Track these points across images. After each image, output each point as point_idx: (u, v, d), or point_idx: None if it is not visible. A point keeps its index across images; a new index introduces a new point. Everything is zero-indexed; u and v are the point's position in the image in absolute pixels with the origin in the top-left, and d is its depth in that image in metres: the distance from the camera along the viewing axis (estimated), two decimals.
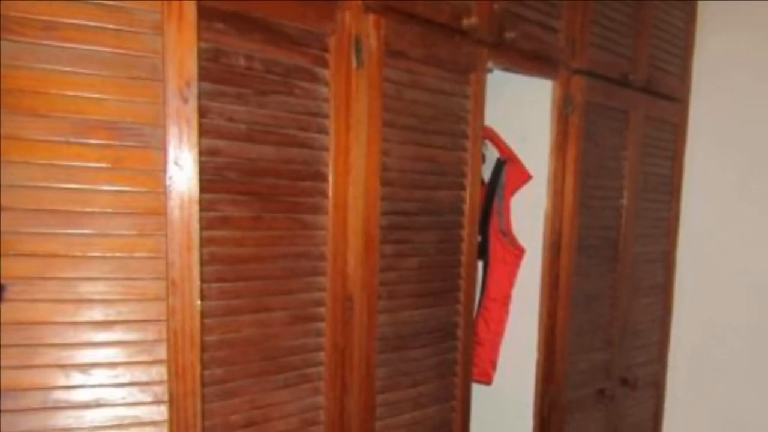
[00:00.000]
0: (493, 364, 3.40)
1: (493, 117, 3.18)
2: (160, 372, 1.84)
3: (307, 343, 2.29)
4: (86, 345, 1.77)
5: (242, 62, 2.04)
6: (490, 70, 2.86)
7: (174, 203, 1.79)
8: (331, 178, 2.27)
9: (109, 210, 1.74)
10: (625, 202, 3.60)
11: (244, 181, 2.06)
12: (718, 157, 4.06)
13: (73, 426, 1.78)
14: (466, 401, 2.94)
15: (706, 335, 4.17)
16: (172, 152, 1.77)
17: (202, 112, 1.89)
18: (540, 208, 3.23)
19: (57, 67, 1.67)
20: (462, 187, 2.78)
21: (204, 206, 1.88)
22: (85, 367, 1.77)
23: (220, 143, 1.99)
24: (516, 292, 3.38)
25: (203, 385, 1.94)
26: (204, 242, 1.90)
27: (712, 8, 4.00)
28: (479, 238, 3.01)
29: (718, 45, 4.00)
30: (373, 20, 2.33)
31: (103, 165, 1.72)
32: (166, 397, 1.85)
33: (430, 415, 2.78)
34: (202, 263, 1.87)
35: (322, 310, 2.31)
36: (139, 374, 1.82)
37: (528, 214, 3.29)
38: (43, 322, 1.72)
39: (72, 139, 1.69)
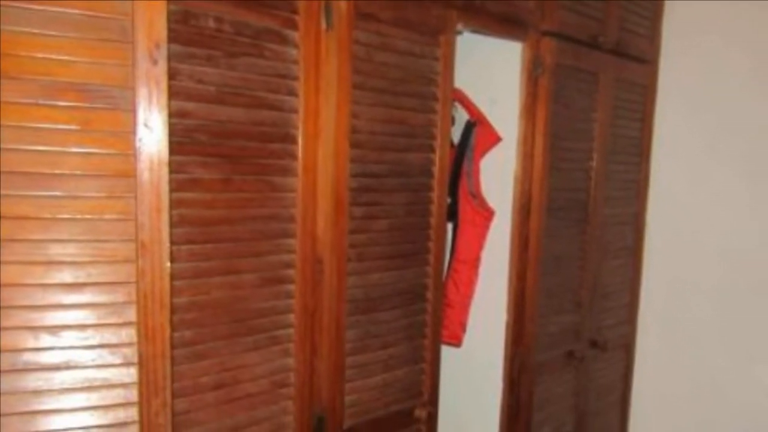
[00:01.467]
0: (463, 326, 3.44)
1: (463, 79, 3.20)
2: (129, 334, 1.86)
3: (276, 305, 2.31)
4: (56, 307, 1.78)
5: (212, 24, 2.04)
6: (460, 32, 2.87)
7: (143, 165, 1.80)
8: (300, 141, 2.28)
9: (79, 172, 1.75)
10: (594, 164, 3.64)
11: (213, 143, 2.07)
12: (687, 119, 4.09)
13: (43, 388, 1.80)
14: (435, 363, 2.97)
15: (675, 297, 4.21)
16: (141, 114, 1.79)
17: (172, 74, 1.90)
18: (509, 170, 3.25)
19: (26, 29, 1.67)
20: (431, 150, 2.80)
21: (173, 168, 1.89)
22: (54, 329, 1.79)
23: (190, 105, 2.01)
24: (485, 255, 3.41)
25: (173, 347, 1.96)
26: (173, 204, 1.91)
27: None
28: (449, 200, 3.04)
29: (688, 7, 4.02)
30: None
31: (73, 127, 1.73)
32: (135, 359, 1.87)
33: (399, 377, 2.82)
34: (171, 225, 1.89)
35: (291, 272, 2.33)
36: (109, 336, 1.84)
37: (497, 176, 3.32)
38: (12, 284, 1.74)
39: (41, 101, 1.70)
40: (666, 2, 4.06)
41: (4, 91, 1.67)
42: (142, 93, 1.78)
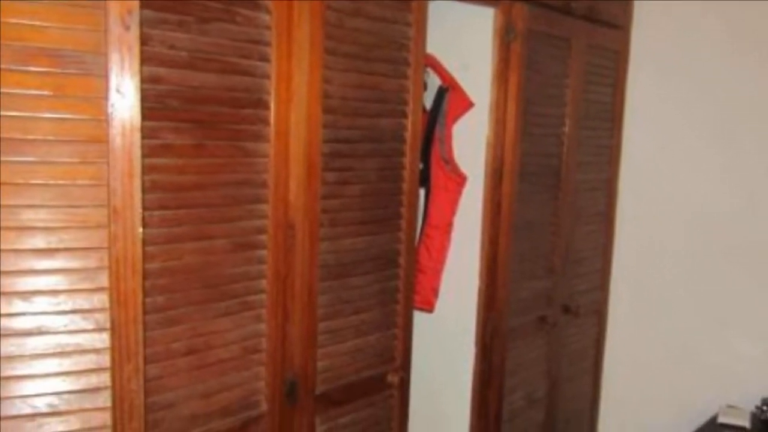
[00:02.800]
0: (435, 292, 3.47)
1: (435, 45, 3.22)
2: (102, 299, 1.88)
3: (248, 270, 2.33)
4: (28, 272, 1.80)
5: None
6: None
7: (116, 131, 1.81)
8: (272, 106, 2.30)
9: (51, 137, 1.76)
10: (567, 129, 3.67)
11: (185, 108, 2.08)
12: (659, 85, 4.12)
13: (15, 353, 1.82)
14: (407, 328, 3.00)
15: (647, 262, 4.26)
16: (113, 80, 1.80)
17: (144, 40, 1.91)
18: (482, 135, 3.27)
19: None
20: (404, 115, 2.82)
21: (146, 134, 1.91)
22: (26, 295, 1.80)
23: (162, 71, 2.01)
24: (458, 220, 3.44)
25: (145, 312, 1.98)
26: (146, 170, 1.92)
27: None
28: (421, 166, 3.06)
29: None
30: None
31: (45, 92, 1.74)
32: (108, 325, 1.89)
33: (371, 342, 2.85)
34: (143, 191, 1.90)
35: (263, 237, 2.35)
36: (81, 302, 1.86)
37: (470, 141, 3.34)
38: None
39: (13, 67, 1.71)
40: None
41: None
42: (114, 59, 1.79)
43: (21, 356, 1.83)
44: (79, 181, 1.80)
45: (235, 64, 2.20)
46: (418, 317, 3.25)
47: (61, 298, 1.84)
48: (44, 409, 1.86)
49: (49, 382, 1.86)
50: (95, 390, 1.91)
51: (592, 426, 4.46)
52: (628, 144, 4.23)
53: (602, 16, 3.78)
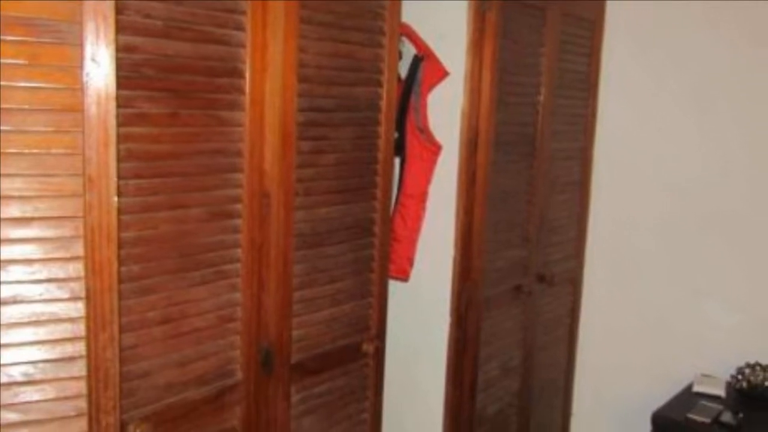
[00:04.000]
0: (410, 261, 3.49)
1: (410, 14, 3.23)
2: (77, 268, 1.88)
3: (223, 239, 2.35)
4: (3, 241, 1.79)
5: None
6: None
7: (91, 100, 1.81)
8: (248, 75, 2.30)
9: (26, 106, 1.75)
10: (542, 98, 3.68)
11: (161, 77, 2.09)
12: (634, 54, 4.14)
13: None
14: (382, 297, 3.04)
15: (622, 231, 4.30)
16: (89, 49, 1.79)
17: (119, 9, 1.91)
18: (457, 104, 3.28)
19: None
20: (379, 84, 2.84)
21: (121, 103, 1.90)
22: (1, 264, 1.80)
23: (137, 40, 2.02)
24: (433, 189, 3.45)
25: (120, 281, 1.98)
26: (121, 139, 1.92)
27: None
28: (396, 135, 3.08)
29: None
30: None
31: (20, 61, 1.73)
32: (83, 294, 1.89)
33: (346, 311, 2.88)
34: (118, 160, 1.90)
35: (238, 206, 2.37)
36: (56, 270, 1.86)
37: (445, 110, 3.34)
38: None
39: None
40: None
41: None
42: (89, 27, 1.79)
43: None
44: (54, 150, 1.80)
45: (210, 33, 2.20)
46: (393, 286, 3.28)
47: (36, 267, 1.84)
48: (19, 378, 1.86)
49: (24, 351, 1.86)
50: (70, 359, 1.90)
51: (566, 394, 4.50)
52: (603, 113, 4.26)
53: None
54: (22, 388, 1.87)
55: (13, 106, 1.75)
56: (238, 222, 2.38)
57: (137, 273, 2.13)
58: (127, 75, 1.98)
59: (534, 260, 3.88)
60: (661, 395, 3.81)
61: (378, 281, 2.99)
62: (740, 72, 3.84)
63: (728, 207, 3.94)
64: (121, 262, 2.00)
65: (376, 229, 2.95)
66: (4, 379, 1.85)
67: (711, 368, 3.97)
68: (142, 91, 2.05)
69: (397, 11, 2.86)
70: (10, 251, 1.81)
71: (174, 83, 2.13)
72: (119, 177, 1.92)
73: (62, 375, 1.90)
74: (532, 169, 3.74)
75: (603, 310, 4.42)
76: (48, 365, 1.89)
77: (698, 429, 3.45)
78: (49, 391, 1.89)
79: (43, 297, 1.86)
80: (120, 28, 1.91)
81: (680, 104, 4.04)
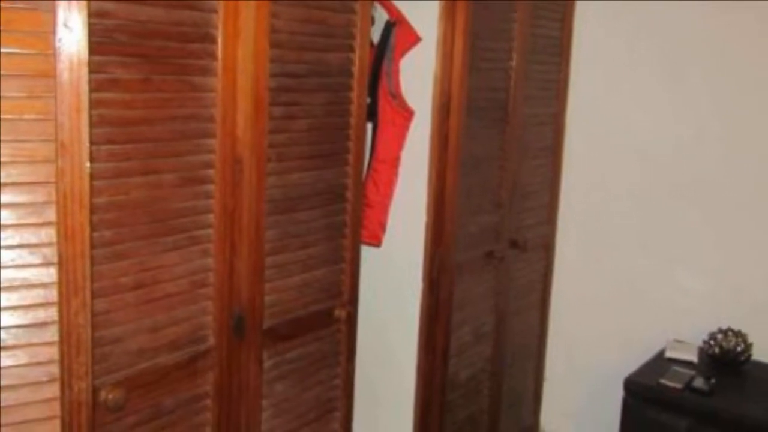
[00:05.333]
0: (383, 226, 3.52)
1: None
2: (49, 234, 1.89)
3: (196, 205, 2.36)
4: None
5: None
6: None
7: (63, 65, 1.81)
8: (220, 41, 2.31)
9: None
10: (514, 64, 3.70)
11: (133, 43, 2.09)
12: (607, 20, 4.17)
13: None
14: (355, 263, 3.06)
15: (595, 197, 4.34)
16: (61, 14, 1.79)
17: None
18: (429, 70, 3.31)
19: None
20: (351, 49, 2.85)
21: (93, 68, 1.91)
22: None
23: (110, 5, 2.01)
24: (405, 155, 3.48)
25: (92, 247, 1.99)
26: (93, 104, 1.93)
27: None
28: (368, 101, 3.09)
29: None
30: None
31: None
32: (55, 259, 1.90)
33: (319, 277, 2.90)
34: (91, 125, 1.90)
35: (211, 172, 2.38)
36: (29, 236, 1.86)
37: (417, 76, 3.37)
38: None
39: None
40: None
41: None
42: None
43: None
44: (27, 116, 1.81)
45: None
46: (366, 252, 3.31)
47: (9, 232, 1.84)
48: None
49: None
50: (42, 324, 1.92)
51: (539, 360, 4.56)
52: (575, 79, 4.28)
53: None
54: None
55: None
56: (211, 188, 2.39)
57: (109, 239, 2.13)
58: (99, 40, 1.98)
59: (506, 226, 3.91)
60: (634, 361, 3.85)
61: (350, 247, 3.01)
62: (713, 38, 3.88)
63: (700, 173, 3.98)
64: (93, 228, 2.00)
65: (349, 194, 2.96)
66: None
67: (683, 334, 4.02)
68: (115, 56, 2.05)
69: None
70: None
71: (146, 49, 2.13)
72: (92, 143, 1.92)
73: (34, 341, 1.91)
74: (505, 135, 3.76)
75: (576, 276, 4.46)
76: (20, 331, 1.89)
77: (670, 394, 3.50)
78: (21, 357, 1.89)
79: (15, 263, 1.86)
80: None
81: (653, 70, 4.07)
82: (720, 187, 3.94)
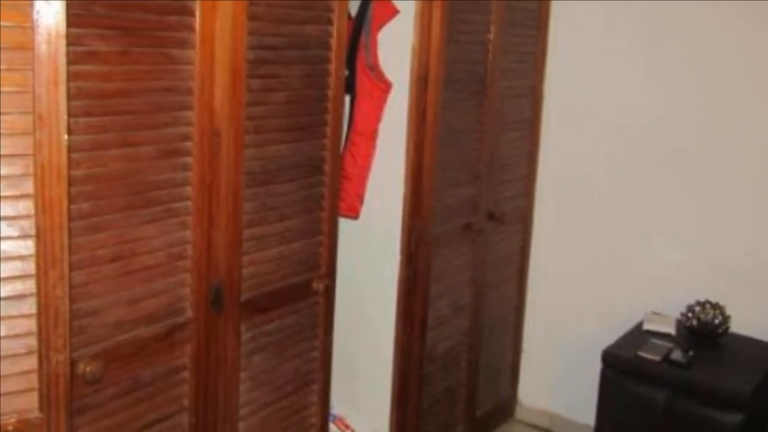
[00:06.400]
0: (360, 199, 3.54)
1: None
2: (27, 206, 1.90)
3: (174, 177, 2.37)
4: None
5: None
6: None
7: (41, 38, 1.82)
8: (198, 13, 2.31)
9: None
10: (492, 36, 3.72)
11: (111, 15, 2.08)
12: None
13: None
14: (333, 235, 3.08)
15: (573, 169, 4.37)
16: None
17: None
18: (407, 42, 3.32)
19: None
20: (329, 22, 2.85)
21: (71, 41, 1.91)
22: None
23: None
24: (383, 127, 3.50)
25: (70, 219, 2.00)
26: (71, 77, 1.93)
27: None
28: (346, 73, 3.10)
29: None
30: None
31: None
32: (33, 232, 1.91)
33: (296, 249, 2.92)
34: (69, 98, 1.91)
35: (189, 144, 2.39)
36: (6, 208, 1.88)
37: (395, 48, 3.38)
38: None
39: None
40: None
41: None
42: None
43: None
44: (4, 88, 1.81)
45: None
46: (344, 224, 3.31)
47: None
48: None
49: None
50: (20, 297, 1.93)
51: (517, 333, 4.59)
52: (553, 51, 4.30)
53: None
54: None
55: None
56: (189, 160, 2.40)
57: (87, 211, 2.14)
58: (77, 13, 1.98)
59: (484, 198, 3.94)
60: (612, 333, 3.88)
61: (328, 219, 3.03)
62: (690, 10, 3.89)
63: (678, 145, 4.01)
64: (71, 200, 2.01)
65: (326, 167, 2.97)
66: None
67: (661, 306, 4.05)
68: (93, 29, 2.05)
69: None
70: None
71: (124, 21, 2.13)
72: (69, 115, 1.94)
73: (12, 313, 1.93)
74: (483, 107, 3.78)
75: (553, 249, 4.49)
76: None
77: (648, 367, 3.53)
78: None
79: None
80: None
81: (630, 42, 4.09)
82: (698, 159, 3.97)
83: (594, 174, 4.30)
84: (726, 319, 3.76)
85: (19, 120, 1.85)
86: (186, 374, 2.54)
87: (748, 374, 3.49)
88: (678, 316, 3.92)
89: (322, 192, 2.98)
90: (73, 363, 2.10)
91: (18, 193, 1.89)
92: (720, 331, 3.76)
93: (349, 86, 3.36)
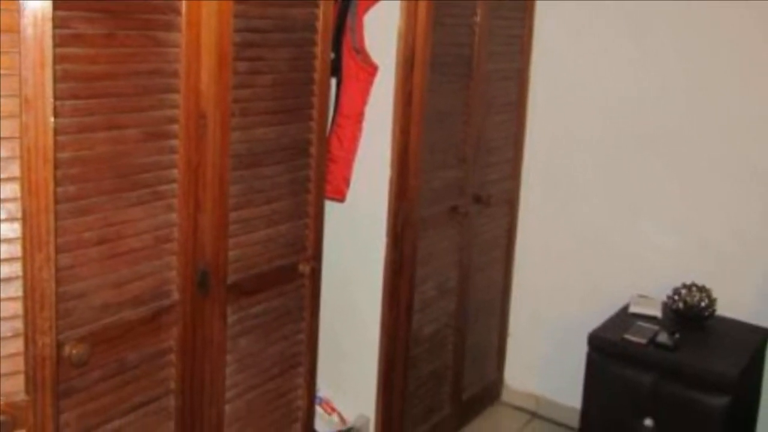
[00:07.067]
0: (347, 181, 3.56)
1: None
2: (13, 189, 1.90)
3: (160, 160, 2.38)
4: None
5: None
6: None
7: (27, 20, 1.83)
8: None
9: None
10: (478, 19, 3.73)
11: None
12: None
13: None
14: (319, 218, 3.09)
15: (559, 152, 4.39)
16: None
17: None
18: (393, 25, 3.33)
19: None
20: (315, 4, 2.86)
21: (57, 23, 1.92)
22: None
23: None
24: (369, 110, 3.51)
25: (56, 202, 2.01)
26: (57, 59, 1.94)
27: None
28: (332, 56, 3.10)
29: None
30: None
31: None
32: (19, 215, 1.92)
33: (283, 232, 2.93)
34: (55, 80, 1.92)
35: (175, 127, 2.39)
36: None
37: (381, 31, 3.40)
38: None
39: None
40: None
41: None
42: None
43: None
44: None
45: None
46: (330, 207, 3.33)
47: None
48: None
49: None
50: (7, 279, 1.94)
51: (503, 315, 4.62)
52: (539, 33, 4.32)
53: None
54: None
55: None
56: (175, 142, 2.40)
57: (74, 193, 2.14)
58: None
59: (470, 181, 3.96)
60: (598, 316, 3.90)
61: (314, 202, 3.03)
62: None
63: (665, 128, 4.03)
64: (57, 183, 2.01)
65: (313, 149, 2.98)
66: None
67: (647, 289, 4.08)
68: (79, 11, 2.05)
69: None
70: None
71: (110, 4, 2.13)
72: (56, 97, 1.94)
73: None
74: (469, 90, 3.80)
75: (540, 231, 4.52)
76: None
77: (634, 349, 3.56)
78: None
79: None
80: None
81: (617, 24, 4.11)
82: (685, 141, 3.99)
83: (580, 157, 4.32)
84: (712, 301, 3.78)
85: (5, 103, 1.85)
86: (172, 357, 2.55)
87: (734, 357, 3.51)
88: (664, 298, 3.94)
89: (308, 175, 2.99)
90: (59, 346, 2.11)
91: (4, 176, 1.89)
92: (706, 313, 3.78)
93: (335, 69, 3.37)
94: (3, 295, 1.94)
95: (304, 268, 3.03)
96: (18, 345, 1.99)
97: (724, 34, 3.84)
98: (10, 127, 1.88)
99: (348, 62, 3.43)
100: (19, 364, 2.00)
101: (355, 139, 3.52)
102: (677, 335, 3.58)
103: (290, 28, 2.78)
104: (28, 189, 1.93)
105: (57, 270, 2.05)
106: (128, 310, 2.38)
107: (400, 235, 3.54)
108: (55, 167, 1.99)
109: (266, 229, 2.85)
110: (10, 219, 1.93)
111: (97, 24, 2.11)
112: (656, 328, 3.69)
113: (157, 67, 2.31)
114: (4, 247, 1.93)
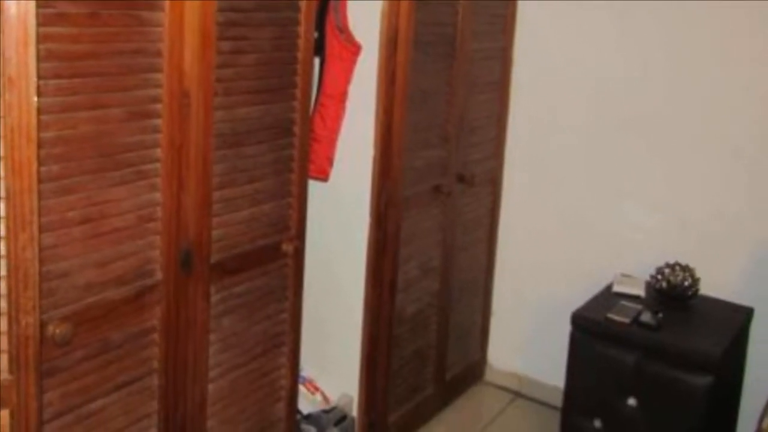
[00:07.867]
0: (330, 161, 3.57)
1: None
2: None
3: (143, 139, 2.38)
4: None
5: None
6: None
7: None
8: None
9: None
10: None
11: None
12: None
13: None
14: (302, 197, 3.10)
15: (542, 131, 4.41)
16: None
17: None
18: (377, 4, 3.34)
19: None
20: None
21: (40, 2, 1.92)
22: None
23: None
24: (353, 89, 3.52)
25: (40, 181, 2.02)
26: (41, 39, 1.94)
27: None
28: (316, 35, 3.11)
29: None
30: None
31: None
32: (2, 194, 1.92)
33: (266, 211, 2.94)
34: (38, 60, 1.92)
35: (158, 106, 2.40)
36: None
37: (365, 10, 3.40)
38: None
39: None
40: None
41: None
42: None
43: None
44: None
45: None
46: (313, 186, 3.34)
47: None
48: None
49: None
50: None
51: (486, 295, 4.65)
52: (522, 13, 4.32)
53: None
54: None
55: None
56: (158, 122, 2.41)
57: (57, 173, 2.15)
58: None
59: (453, 160, 3.98)
60: (581, 295, 3.93)
61: (297, 181, 3.05)
62: None
63: (648, 108, 4.06)
64: (40, 162, 2.02)
65: (296, 129, 2.99)
66: None
67: (631, 268, 4.10)
68: None
69: None
70: None
71: None
72: (39, 77, 1.94)
73: None
74: (452, 69, 3.81)
75: (523, 211, 4.53)
76: None
77: (618, 329, 3.59)
78: None
79: None
80: None
81: (600, 5, 4.12)
82: (667, 121, 4.01)
83: (564, 136, 4.34)
84: (695, 281, 3.81)
85: None
86: (155, 336, 2.57)
87: (717, 336, 3.54)
88: (647, 278, 3.96)
89: (291, 154, 3.00)
90: (42, 325, 2.12)
91: None
92: (689, 293, 3.81)
93: (319, 48, 3.38)
94: None
95: (288, 247, 3.04)
96: (1, 324, 2.00)
97: (707, 16, 3.86)
98: None
99: (331, 41, 3.44)
100: (3, 343, 2.01)
101: (338, 118, 3.54)
102: (660, 314, 3.60)
103: (273, 8, 2.78)
104: (12, 168, 1.93)
105: (40, 249, 2.06)
106: (111, 290, 2.39)
107: (384, 215, 3.55)
108: (39, 146, 2.00)
109: (249, 208, 2.86)
110: None
111: (80, 3, 2.11)
112: (639, 307, 3.71)
113: (140, 47, 2.31)
114: None
